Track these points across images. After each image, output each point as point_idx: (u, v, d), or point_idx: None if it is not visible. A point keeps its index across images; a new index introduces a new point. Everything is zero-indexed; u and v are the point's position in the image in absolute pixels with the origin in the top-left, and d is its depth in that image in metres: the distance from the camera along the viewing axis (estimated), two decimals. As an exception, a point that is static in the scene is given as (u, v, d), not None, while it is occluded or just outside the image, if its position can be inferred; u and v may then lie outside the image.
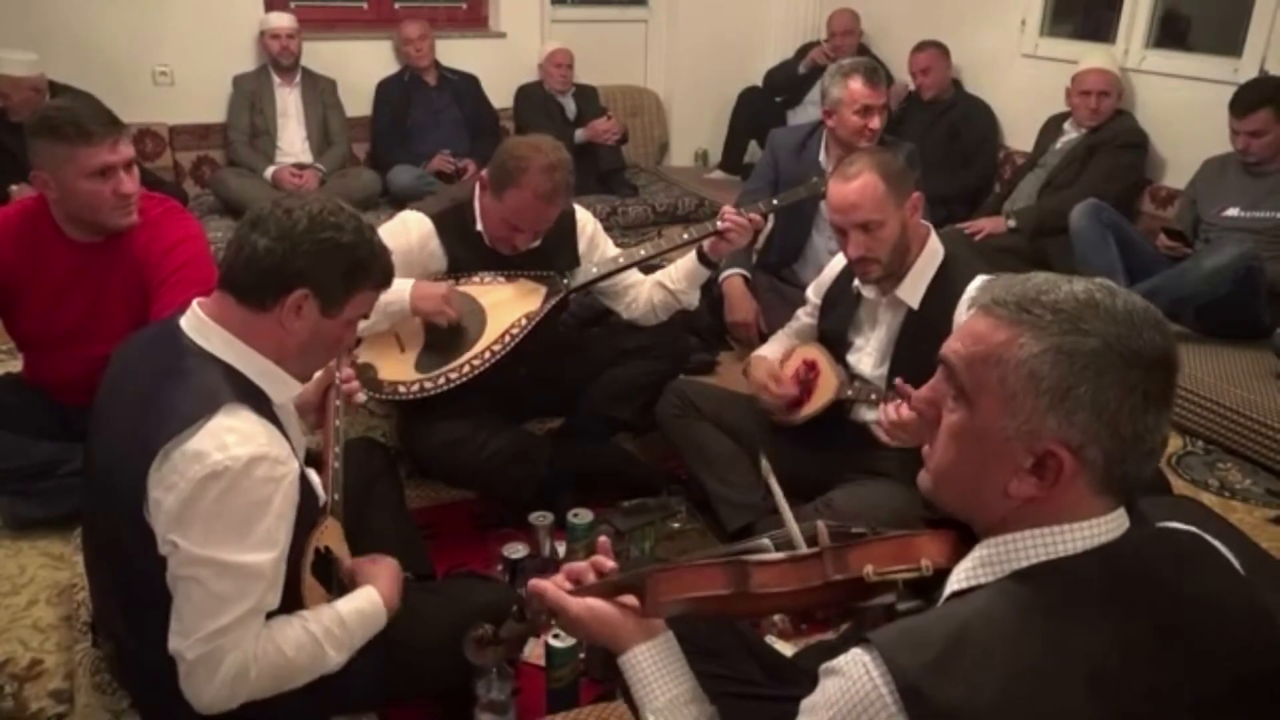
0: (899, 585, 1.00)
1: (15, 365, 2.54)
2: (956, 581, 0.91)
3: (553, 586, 1.20)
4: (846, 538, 1.11)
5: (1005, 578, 0.88)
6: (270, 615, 1.37)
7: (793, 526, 1.24)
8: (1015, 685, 0.78)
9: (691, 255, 2.50)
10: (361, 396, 1.82)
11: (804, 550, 1.12)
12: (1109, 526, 0.88)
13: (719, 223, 2.43)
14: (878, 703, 0.80)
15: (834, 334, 2.26)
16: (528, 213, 2.25)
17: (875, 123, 2.99)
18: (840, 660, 0.84)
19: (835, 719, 0.83)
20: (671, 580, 1.12)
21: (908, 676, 0.79)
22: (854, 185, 1.99)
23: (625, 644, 1.14)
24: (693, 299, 2.55)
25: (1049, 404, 0.85)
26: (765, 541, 1.23)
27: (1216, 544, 0.95)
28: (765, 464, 1.47)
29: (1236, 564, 0.94)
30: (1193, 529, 0.95)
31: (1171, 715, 0.82)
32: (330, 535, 1.53)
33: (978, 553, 0.91)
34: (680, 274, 2.51)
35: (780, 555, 1.13)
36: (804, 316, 2.40)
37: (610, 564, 1.24)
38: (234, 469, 1.27)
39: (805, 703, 0.89)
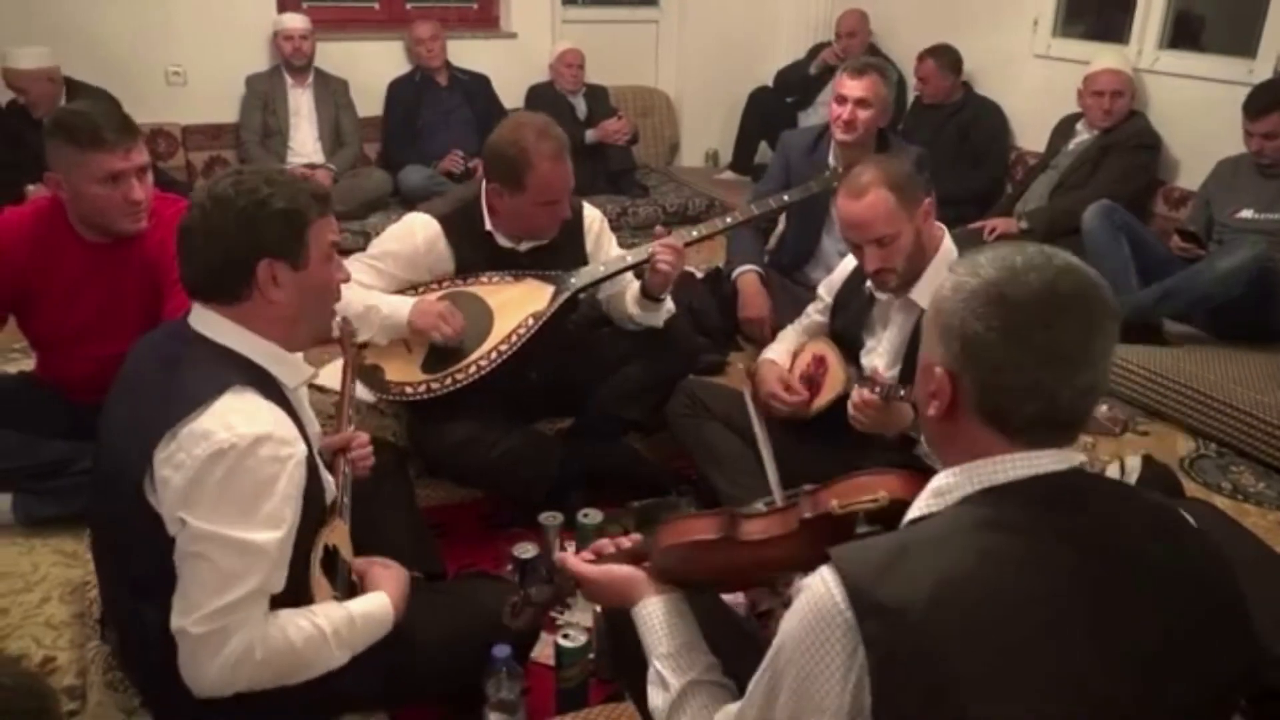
0: (861, 515, 1.14)
1: (29, 364, 2.56)
2: (913, 511, 1.03)
3: (574, 558, 1.38)
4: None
5: (952, 504, 0.98)
6: (278, 607, 1.38)
7: (770, 465, 1.53)
8: (943, 586, 0.89)
9: (636, 284, 2.47)
10: (370, 460, 1.81)
11: (785, 503, 1.26)
12: (1049, 460, 0.97)
13: (645, 248, 2.40)
14: (830, 605, 0.91)
15: (846, 335, 2.25)
16: (555, 180, 2.25)
17: (848, 113, 2.98)
18: (809, 578, 0.96)
19: (800, 625, 0.94)
20: (673, 528, 1.28)
21: (855, 579, 0.91)
22: (864, 203, 1.96)
23: (638, 596, 1.28)
24: (653, 321, 2.49)
25: (939, 334, 1.01)
26: (759, 505, 1.39)
27: (1187, 516, 1.03)
28: (748, 396, 1.71)
29: (1211, 541, 1.02)
30: (1165, 500, 1.03)
31: (1071, 630, 0.90)
32: (338, 536, 1.54)
33: (930, 485, 1.03)
34: (630, 299, 2.48)
35: (766, 509, 1.29)
36: (814, 313, 2.39)
37: (627, 543, 1.38)
38: (240, 447, 1.29)
39: (782, 622, 1.00)
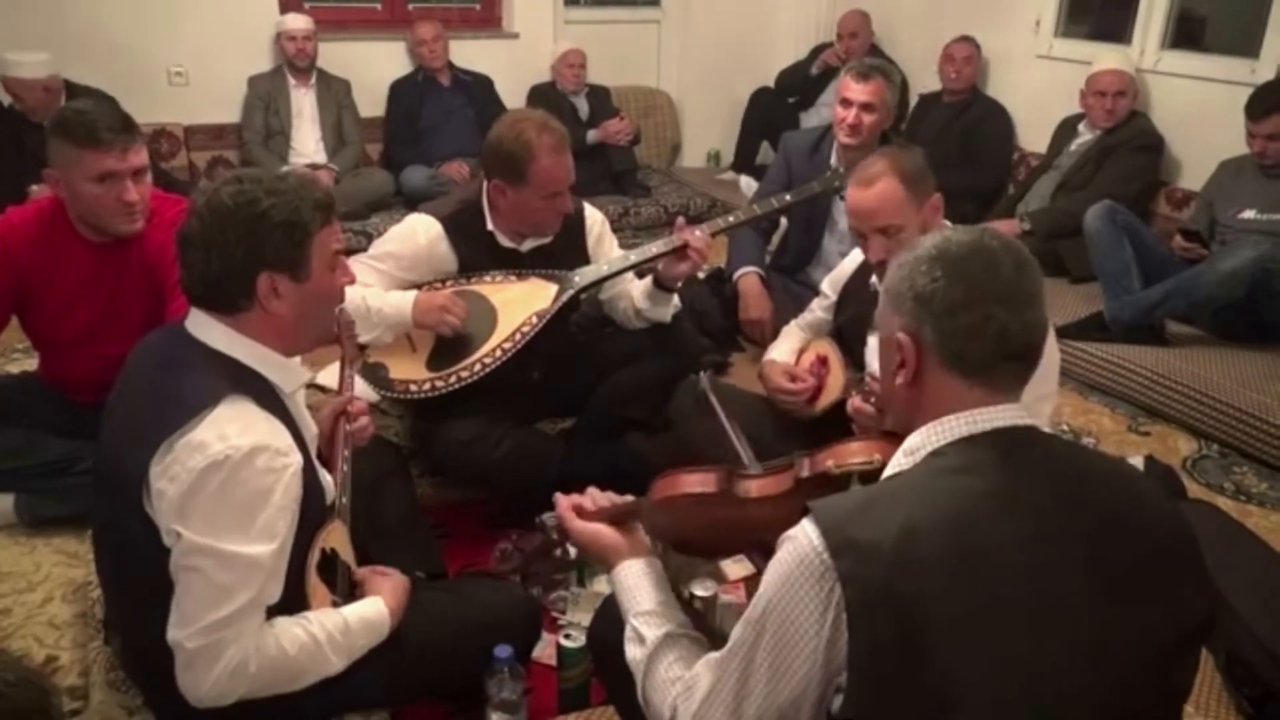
0: (855, 477, 1.20)
1: (31, 363, 2.56)
2: (888, 471, 1.09)
3: (566, 501, 1.44)
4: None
5: (922, 460, 1.05)
6: (275, 614, 1.38)
7: (738, 441, 1.60)
8: (914, 523, 0.94)
9: (648, 279, 2.47)
10: (370, 430, 1.82)
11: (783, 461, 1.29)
12: (1007, 415, 1.04)
13: (676, 238, 2.39)
14: (809, 549, 0.96)
15: (850, 330, 2.25)
16: (557, 172, 2.26)
17: (853, 117, 2.98)
18: (792, 530, 1.00)
19: (780, 572, 0.99)
20: (668, 482, 1.31)
21: (831, 523, 0.96)
22: (873, 191, 1.96)
23: (618, 559, 1.33)
24: (662, 314, 2.50)
25: (892, 305, 1.10)
26: (755, 467, 1.40)
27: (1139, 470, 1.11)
28: (704, 382, 1.82)
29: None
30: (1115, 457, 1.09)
31: (1038, 562, 0.96)
32: (336, 537, 1.53)
33: (902, 446, 1.09)
34: (640, 293, 2.49)
35: (763, 468, 1.32)
36: (818, 309, 2.39)
37: (603, 499, 1.43)
38: (235, 459, 1.28)
39: (765, 573, 1.04)
